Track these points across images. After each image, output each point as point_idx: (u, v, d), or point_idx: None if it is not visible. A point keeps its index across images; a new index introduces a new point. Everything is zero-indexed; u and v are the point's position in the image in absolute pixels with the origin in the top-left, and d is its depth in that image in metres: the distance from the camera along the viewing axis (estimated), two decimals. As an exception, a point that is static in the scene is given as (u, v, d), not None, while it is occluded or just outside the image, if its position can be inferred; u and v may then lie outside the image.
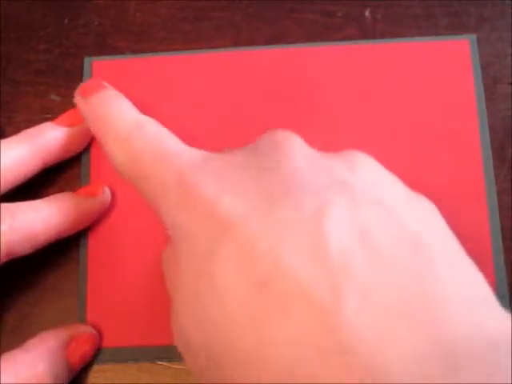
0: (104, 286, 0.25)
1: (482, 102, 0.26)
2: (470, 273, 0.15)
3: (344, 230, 0.15)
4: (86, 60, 0.28)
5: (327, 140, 0.26)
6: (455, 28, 0.28)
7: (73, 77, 0.28)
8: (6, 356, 0.21)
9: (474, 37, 0.27)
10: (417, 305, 0.13)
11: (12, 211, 0.22)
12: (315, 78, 0.27)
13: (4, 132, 0.27)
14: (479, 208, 0.25)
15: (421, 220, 0.16)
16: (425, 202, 0.17)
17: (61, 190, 0.25)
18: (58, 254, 0.25)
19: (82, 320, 0.24)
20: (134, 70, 0.28)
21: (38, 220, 0.22)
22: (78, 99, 0.24)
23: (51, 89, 0.28)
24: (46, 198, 0.24)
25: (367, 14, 0.28)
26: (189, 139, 0.26)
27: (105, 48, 0.28)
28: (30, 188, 0.25)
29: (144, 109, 0.27)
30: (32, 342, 0.22)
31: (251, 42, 0.28)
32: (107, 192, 0.25)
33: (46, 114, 0.27)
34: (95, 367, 0.24)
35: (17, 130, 0.25)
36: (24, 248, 0.22)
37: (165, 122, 0.27)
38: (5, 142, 0.24)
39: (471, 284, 0.15)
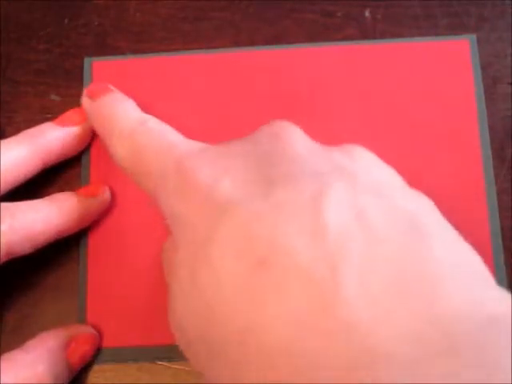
0: (104, 286, 0.25)
1: (482, 102, 0.26)
2: (467, 254, 0.15)
3: (342, 211, 0.15)
4: (86, 60, 0.28)
5: (327, 140, 0.26)
6: (455, 28, 0.28)
7: (73, 77, 0.28)
8: (6, 356, 0.21)
9: (473, 37, 0.27)
10: (414, 284, 0.13)
11: (12, 211, 0.22)
12: (315, 78, 0.27)
13: (4, 132, 0.27)
14: (479, 208, 0.25)
15: (419, 207, 0.16)
16: (423, 198, 0.17)
17: (61, 190, 0.25)
18: (58, 254, 0.25)
19: (82, 320, 0.24)
20: (134, 70, 0.28)
21: (38, 220, 0.22)
22: (84, 100, 0.25)
23: (51, 89, 0.28)
24: (46, 198, 0.24)
25: (367, 14, 0.28)
26: (189, 139, 0.26)
27: (105, 48, 0.28)
28: (30, 188, 0.25)
29: (144, 109, 0.27)
30: (32, 343, 0.22)
31: (251, 42, 0.28)
32: (107, 192, 0.25)
33: (46, 114, 0.27)
34: (95, 367, 0.24)
35: (17, 130, 0.25)
36: (24, 248, 0.22)
37: (165, 122, 0.27)
38: (5, 142, 0.24)
39: (469, 264, 0.15)
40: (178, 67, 0.28)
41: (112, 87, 0.25)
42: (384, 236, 0.14)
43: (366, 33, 0.28)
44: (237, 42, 0.28)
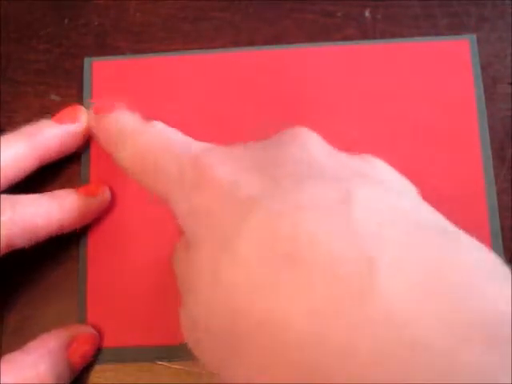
0: (104, 285, 0.25)
1: (482, 102, 0.26)
2: (490, 255, 0.16)
3: (372, 212, 0.15)
4: (86, 60, 0.28)
5: (327, 139, 0.26)
6: (455, 28, 0.28)
7: (73, 77, 0.28)
8: (7, 358, 0.21)
9: (474, 37, 0.27)
10: (450, 280, 0.13)
11: (12, 203, 0.22)
12: (315, 78, 0.27)
13: (4, 132, 0.27)
14: (479, 208, 0.25)
15: (440, 217, 0.17)
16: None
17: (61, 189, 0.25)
18: (58, 254, 0.25)
19: (82, 320, 0.24)
20: (134, 70, 0.28)
21: (38, 213, 0.23)
22: (90, 117, 0.25)
23: (51, 89, 0.28)
24: (47, 193, 0.24)
25: (367, 14, 0.28)
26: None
27: (105, 48, 0.28)
28: (30, 188, 0.25)
29: (144, 108, 0.27)
30: (33, 344, 0.22)
31: (251, 42, 0.28)
32: (107, 192, 0.25)
33: (46, 114, 0.27)
34: (95, 367, 0.24)
35: (17, 130, 0.25)
36: (24, 240, 0.22)
37: (165, 122, 0.27)
38: (3, 139, 0.24)
39: (492, 262, 0.15)
40: (178, 67, 0.28)
41: (118, 104, 0.25)
42: (417, 237, 0.14)
43: (366, 33, 0.28)
44: (237, 42, 0.28)
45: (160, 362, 0.24)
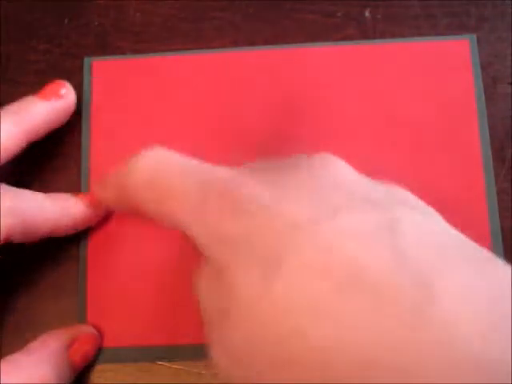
0: (104, 285, 0.25)
1: (482, 102, 0.26)
2: None
3: (420, 241, 0.15)
4: (86, 60, 0.28)
5: (327, 139, 0.26)
6: (455, 28, 0.28)
7: (73, 77, 0.28)
8: (8, 359, 0.21)
9: (474, 37, 0.27)
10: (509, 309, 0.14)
11: (12, 195, 0.22)
12: (315, 78, 0.27)
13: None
14: (479, 208, 0.25)
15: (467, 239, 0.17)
16: None
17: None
18: (59, 254, 0.25)
19: (82, 320, 0.24)
20: (134, 70, 0.28)
21: (39, 209, 0.23)
22: (95, 189, 0.24)
23: (51, 89, 0.28)
24: (48, 194, 0.24)
25: (367, 14, 0.28)
26: (189, 139, 0.26)
27: (105, 48, 0.28)
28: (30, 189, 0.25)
29: (144, 109, 0.27)
30: (34, 345, 0.22)
31: (251, 42, 0.28)
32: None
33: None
34: (95, 367, 0.24)
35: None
36: (22, 234, 0.22)
37: (164, 123, 0.27)
38: None
39: None
40: (178, 67, 0.28)
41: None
42: (471, 263, 0.15)
43: (366, 33, 0.28)
44: (237, 42, 0.28)
45: (160, 362, 0.24)
